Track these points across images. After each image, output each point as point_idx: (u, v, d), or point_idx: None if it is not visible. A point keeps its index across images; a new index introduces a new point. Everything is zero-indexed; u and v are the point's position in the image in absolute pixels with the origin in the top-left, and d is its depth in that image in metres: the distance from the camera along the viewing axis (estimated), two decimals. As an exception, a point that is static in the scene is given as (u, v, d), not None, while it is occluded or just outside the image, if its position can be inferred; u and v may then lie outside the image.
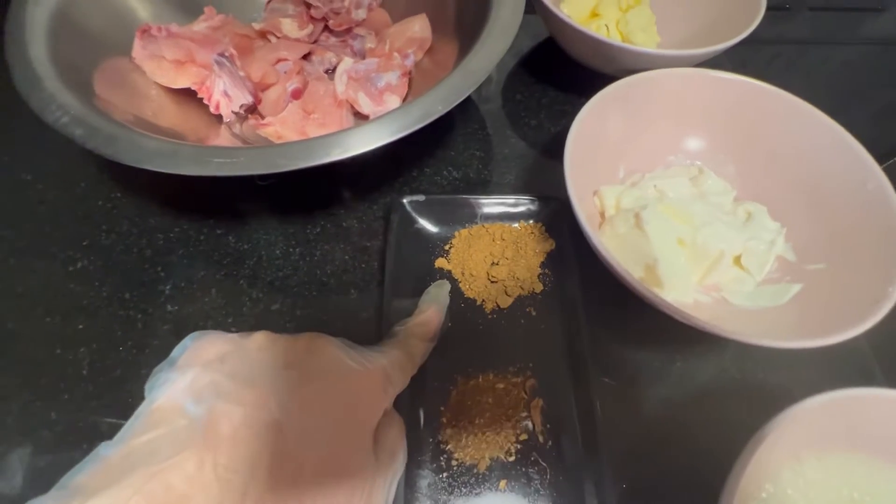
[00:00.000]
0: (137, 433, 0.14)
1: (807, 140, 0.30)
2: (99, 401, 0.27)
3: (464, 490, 0.24)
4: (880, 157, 0.50)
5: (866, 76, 0.61)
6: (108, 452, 0.14)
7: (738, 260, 0.30)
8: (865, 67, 0.62)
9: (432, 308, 0.25)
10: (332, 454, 0.16)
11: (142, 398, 0.27)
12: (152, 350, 0.28)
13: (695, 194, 0.31)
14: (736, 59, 0.53)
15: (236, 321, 0.29)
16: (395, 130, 0.25)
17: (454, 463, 0.24)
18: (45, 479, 0.24)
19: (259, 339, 0.18)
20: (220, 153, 0.24)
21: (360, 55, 0.39)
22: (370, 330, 0.29)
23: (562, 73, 0.43)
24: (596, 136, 0.30)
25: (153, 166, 0.23)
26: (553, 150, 0.38)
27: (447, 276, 0.30)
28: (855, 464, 0.23)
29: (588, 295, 0.29)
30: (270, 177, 0.23)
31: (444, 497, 0.24)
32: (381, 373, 0.19)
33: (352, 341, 0.21)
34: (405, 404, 0.24)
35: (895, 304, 0.23)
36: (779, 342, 0.23)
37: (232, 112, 0.35)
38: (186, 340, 0.18)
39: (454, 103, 0.26)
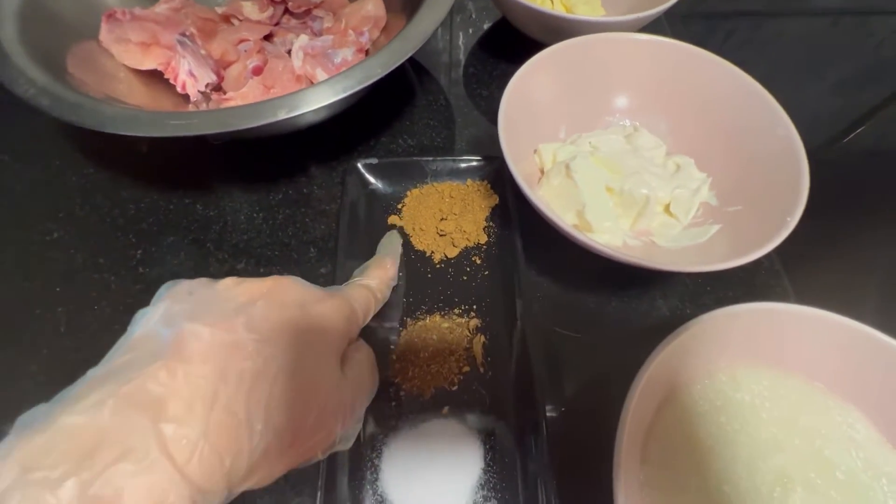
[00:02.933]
0: (117, 357, 0.16)
1: (727, 94, 0.32)
2: (77, 354, 0.29)
3: (410, 417, 0.26)
4: (841, 133, 0.52)
5: (819, 50, 0.63)
6: (93, 373, 0.16)
7: (667, 208, 0.32)
8: (818, 41, 0.64)
9: (387, 256, 0.28)
10: (301, 370, 0.17)
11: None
12: (125, 307, 0.31)
13: (627, 150, 0.33)
14: (692, 37, 0.55)
15: (203, 280, 0.32)
16: (338, 91, 0.27)
17: (402, 393, 0.27)
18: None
19: (227, 280, 0.19)
20: (176, 116, 0.26)
21: (319, 35, 0.41)
22: (328, 284, 0.31)
23: (515, 48, 0.45)
24: (532, 98, 0.32)
25: (114, 129, 0.26)
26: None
27: (399, 231, 0.32)
28: (759, 376, 0.25)
29: (528, 244, 0.31)
30: (222, 135, 0.25)
31: (393, 423, 0.26)
32: (345, 301, 0.21)
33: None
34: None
35: (792, 230, 0.26)
36: (693, 267, 0.26)
37: (198, 91, 0.37)
38: (161, 289, 0.19)
39: (392, 67, 0.28)
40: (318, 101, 0.27)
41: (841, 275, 0.35)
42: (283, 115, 0.26)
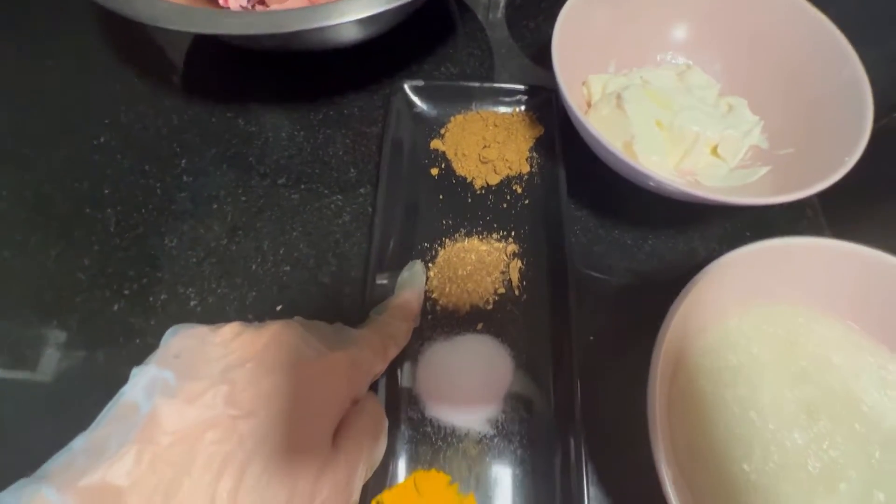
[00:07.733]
0: (101, 427, 0.15)
1: (789, 31, 0.31)
2: (125, 252, 0.30)
3: (445, 329, 0.27)
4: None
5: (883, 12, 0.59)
6: (76, 445, 0.15)
7: (714, 150, 0.31)
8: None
9: (410, 291, 0.26)
10: (281, 450, 0.16)
11: (163, 253, 0.30)
12: (171, 213, 0.31)
13: (679, 87, 0.32)
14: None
15: (245, 192, 0.32)
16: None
17: (438, 308, 0.27)
18: (78, 314, 0.28)
19: (225, 332, 0.18)
20: (230, 15, 0.25)
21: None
22: (367, 204, 0.32)
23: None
24: (584, 28, 0.31)
25: (167, 25, 0.25)
26: (548, 49, 0.39)
27: (441, 156, 0.32)
28: (794, 313, 0.25)
29: (570, 177, 0.31)
30: (274, 39, 0.25)
31: (428, 334, 0.27)
32: (345, 361, 0.19)
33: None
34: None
35: (849, 170, 0.25)
36: (740, 200, 0.25)
37: (240, 5, 0.37)
38: (167, 334, 0.18)
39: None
40: (372, 7, 0.26)
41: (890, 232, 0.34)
42: (335, 20, 0.25)
